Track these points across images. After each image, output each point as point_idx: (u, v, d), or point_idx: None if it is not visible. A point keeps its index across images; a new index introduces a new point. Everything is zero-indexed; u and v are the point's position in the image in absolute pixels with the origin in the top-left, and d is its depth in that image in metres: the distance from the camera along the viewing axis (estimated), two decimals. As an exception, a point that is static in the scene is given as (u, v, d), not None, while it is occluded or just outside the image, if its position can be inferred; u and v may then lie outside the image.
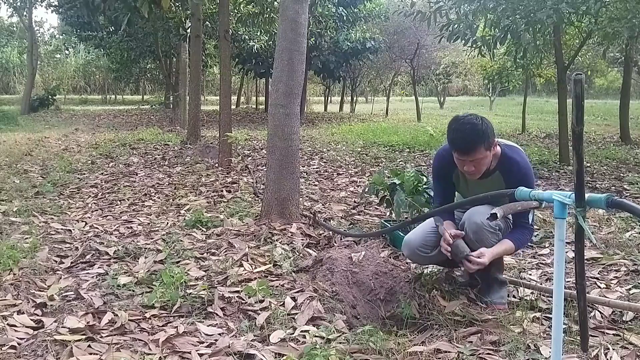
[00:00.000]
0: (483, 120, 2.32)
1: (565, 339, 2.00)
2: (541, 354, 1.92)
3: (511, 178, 2.34)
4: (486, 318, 2.23)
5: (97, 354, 1.91)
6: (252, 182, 5.29)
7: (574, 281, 1.87)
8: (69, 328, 2.07)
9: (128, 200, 4.80)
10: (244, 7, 9.98)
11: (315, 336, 2.04)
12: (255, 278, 2.65)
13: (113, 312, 2.23)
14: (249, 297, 2.41)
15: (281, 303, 2.35)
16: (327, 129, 13.03)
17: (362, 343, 2.01)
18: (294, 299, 2.39)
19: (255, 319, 2.22)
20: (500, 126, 13.50)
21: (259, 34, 14.00)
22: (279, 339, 2.05)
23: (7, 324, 2.12)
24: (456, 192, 2.67)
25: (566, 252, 2.71)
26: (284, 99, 3.72)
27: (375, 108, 23.69)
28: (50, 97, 20.05)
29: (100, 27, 14.82)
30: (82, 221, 3.95)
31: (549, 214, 3.78)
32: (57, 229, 3.70)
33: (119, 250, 3.17)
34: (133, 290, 2.53)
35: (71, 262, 3.00)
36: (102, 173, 6.22)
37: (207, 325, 2.17)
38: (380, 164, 7.19)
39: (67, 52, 31.39)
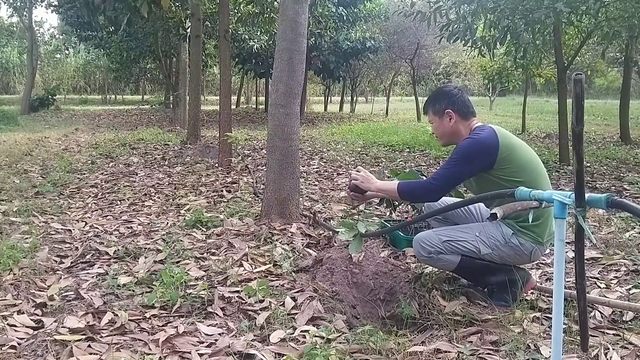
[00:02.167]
0: (444, 88, 2.57)
1: (565, 339, 2.00)
2: (541, 354, 1.92)
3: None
4: (486, 318, 2.23)
5: (97, 354, 1.90)
6: (252, 182, 5.29)
7: (574, 281, 1.87)
8: (69, 328, 2.07)
9: (128, 200, 4.80)
10: (244, 7, 9.98)
11: (315, 336, 2.04)
12: (255, 278, 2.65)
13: (113, 312, 2.23)
14: (249, 297, 2.41)
15: (281, 303, 2.35)
16: (327, 129, 13.03)
17: (362, 343, 2.00)
18: (294, 299, 2.39)
19: (255, 319, 2.22)
20: (500, 126, 13.48)
21: (259, 34, 14.01)
22: (279, 339, 2.05)
23: (7, 324, 2.12)
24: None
25: (566, 252, 2.71)
26: (284, 99, 3.72)
27: (375, 108, 23.72)
28: (50, 97, 20.08)
29: (100, 27, 14.80)
30: (82, 221, 3.95)
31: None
32: (57, 229, 3.70)
33: (119, 250, 3.17)
34: (133, 290, 2.53)
35: (71, 262, 3.00)
36: (102, 173, 6.22)
37: (207, 325, 2.17)
38: (380, 164, 7.19)
39: (67, 52, 31.42)
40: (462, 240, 2.38)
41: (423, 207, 2.90)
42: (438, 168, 2.44)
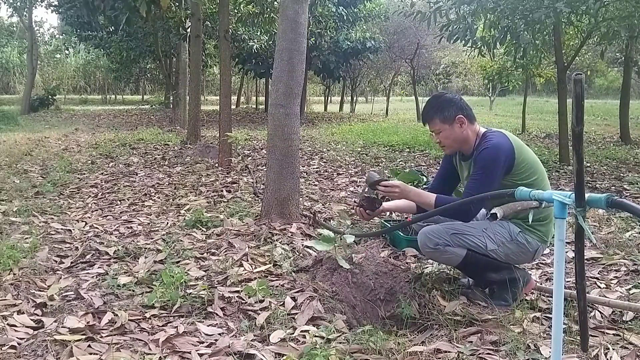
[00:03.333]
0: (446, 95, 2.52)
1: (565, 339, 2.00)
2: (541, 354, 1.92)
3: (475, 157, 2.39)
4: (486, 318, 2.24)
5: (97, 354, 1.90)
6: (252, 182, 5.29)
7: (574, 281, 1.87)
8: (69, 328, 2.07)
9: (128, 200, 4.80)
10: (244, 7, 9.98)
11: (315, 336, 2.04)
12: (255, 278, 2.65)
13: (113, 312, 2.23)
14: (249, 297, 2.41)
15: (281, 303, 2.35)
16: (327, 129, 13.03)
17: (362, 343, 2.00)
18: (294, 299, 2.39)
19: (255, 319, 2.22)
20: (500, 126, 13.48)
21: (259, 34, 14.00)
22: (279, 339, 2.05)
23: (7, 324, 2.12)
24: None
25: (566, 252, 2.71)
26: (284, 99, 3.72)
27: (375, 108, 23.72)
28: (50, 97, 20.07)
29: (100, 27, 14.82)
30: (82, 221, 3.95)
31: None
32: (57, 229, 3.70)
33: (119, 250, 3.17)
34: (133, 290, 2.53)
35: (71, 262, 3.00)
36: (102, 173, 6.22)
37: (207, 325, 2.17)
38: (380, 164, 7.19)
39: (67, 52, 31.39)
40: (470, 234, 2.39)
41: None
42: (467, 183, 2.38)
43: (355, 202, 2.64)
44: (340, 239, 2.69)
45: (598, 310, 2.31)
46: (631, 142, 9.96)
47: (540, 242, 2.41)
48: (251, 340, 2.03)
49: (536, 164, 2.43)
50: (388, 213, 4.03)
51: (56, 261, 3.01)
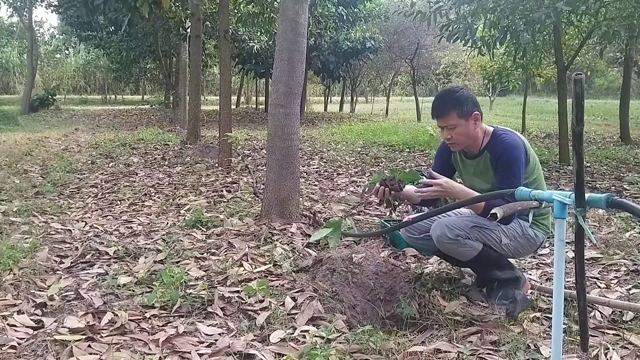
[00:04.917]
0: (462, 90, 2.44)
1: (565, 339, 2.00)
2: (541, 354, 1.92)
3: (496, 158, 2.36)
4: (486, 318, 2.24)
5: (97, 354, 1.91)
6: (252, 182, 5.29)
7: (574, 281, 1.87)
8: (69, 328, 2.07)
9: (128, 200, 4.80)
10: (244, 7, 9.99)
11: (315, 336, 2.04)
12: (255, 278, 2.65)
13: (113, 312, 2.23)
14: (249, 297, 2.41)
15: (281, 303, 2.35)
16: (327, 129, 13.03)
17: (362, 343, 2.01)
18: (294, 299, 2.39)
19: (255, 319, 2.22)
20: (500, 126, 13.47)
21: (259, 34, 14.00)
22: (279, 339, 2.05)
23: (7, 324, 2.12)
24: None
25: (566, 252, 2.71)
26: (284, 99, 3.72)
27: (375, 108, 23.71)
28: (50, 97, 20.08)
29: (100, 27, 14.84)
30: (82, 221, 3.95)
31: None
32: (57, 229, 3.70)
33: (119, 250, 3.17)
34: (133, 290, 2.53)
35: (71, 262, 3.00)
36: (102, 173, 6.22)
37: (207, 325, 2.17)
38: (380, 164, 7.19)
39: (67, 52, 31.41)
40: (487, 228, 2.36)
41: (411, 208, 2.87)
42: (502, 182, 2.29)
43: (365, 193, 2.54)
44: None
45: (598, 310, 2.31)
46: (631, 142, 9.96)
47: (545, 235, 2.47)
48: (251, 340, 2.03)
49: (537, 164, 2.46)
50: (388, 213, 4.04)
51: (56, 261, 3.01)
